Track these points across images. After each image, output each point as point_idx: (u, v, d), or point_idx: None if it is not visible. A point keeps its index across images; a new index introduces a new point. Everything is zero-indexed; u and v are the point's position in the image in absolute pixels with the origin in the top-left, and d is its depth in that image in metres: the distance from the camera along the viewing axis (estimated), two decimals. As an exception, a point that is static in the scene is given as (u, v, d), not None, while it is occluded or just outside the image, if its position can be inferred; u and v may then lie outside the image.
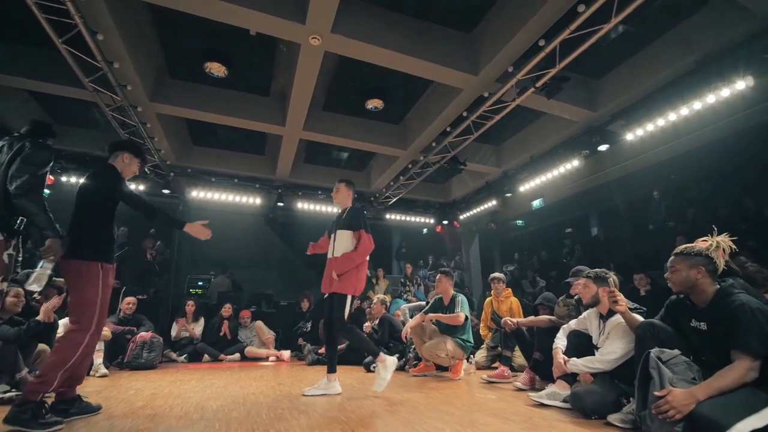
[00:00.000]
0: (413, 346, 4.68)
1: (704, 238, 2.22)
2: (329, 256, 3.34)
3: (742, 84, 4.32)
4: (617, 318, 2.69)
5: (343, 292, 3.20)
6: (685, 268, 2.13)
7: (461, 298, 4.38)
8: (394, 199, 8.71)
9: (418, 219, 10.05)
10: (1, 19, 4.55)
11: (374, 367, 4.80)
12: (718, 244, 2.15)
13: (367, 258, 3.32)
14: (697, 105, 4.74)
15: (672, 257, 2.22)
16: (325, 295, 3.32)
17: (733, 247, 2.17)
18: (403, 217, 9.78)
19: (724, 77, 4.38)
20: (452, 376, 4.20)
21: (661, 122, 5.14)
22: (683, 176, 7.98)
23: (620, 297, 2.49)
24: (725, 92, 4.46)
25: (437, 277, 4.59)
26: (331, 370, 3.25)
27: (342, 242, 3.28)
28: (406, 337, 4.71)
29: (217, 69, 4.94)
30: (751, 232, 5.81)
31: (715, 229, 2.22)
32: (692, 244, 2.20)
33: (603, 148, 6.00)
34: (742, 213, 6.60)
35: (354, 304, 7.01)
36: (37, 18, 3.63)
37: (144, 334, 5.05)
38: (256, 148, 7.77)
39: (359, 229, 3.28)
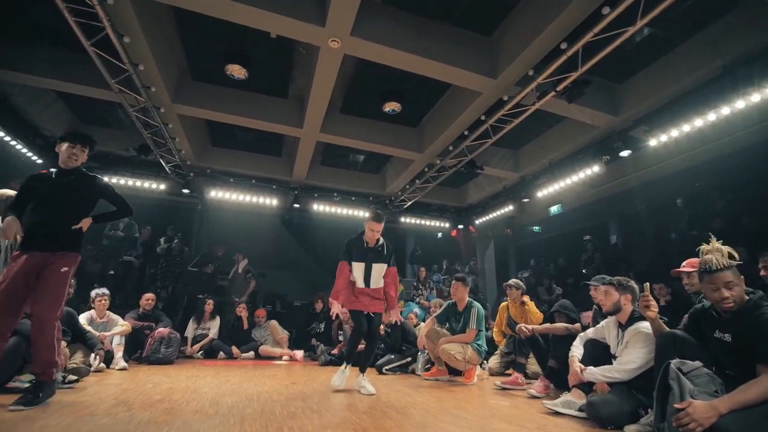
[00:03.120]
0: (426, 350, 4.65)
1: (708, 247, 2.14)
2: (363, 285, 3.66)
3: (773, 89, 4.17)
4: (636, 327, 2.63)
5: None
6: (740, 282, 2.00)
7: (477, 310, 4.28)
8: (410, 203, 8.70)
9: (433, 223, 10.01)
10: (33, 23, 4.75)
11: (387, 370, 4.82)
12: (719, 250, 2.08)
13: None
14: (725, 110, 4.60)
15: (723, 272, 2.00)
16: (366, 313, 3.65)
17: (733, 252, 2.08)
18: (418, 221, 9.76)
19: (753, 82, 4.24)
20: (465, 381, 4.16)
21: (686, 128, 5.00)
22: (709, 184, 7.72)
23: (653, 303, 2.40)
24: (756, 97, 4.31)
25: (453, 284, 4.50)
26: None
27: (378, 273, 3.66)
28: (423, 345, 4.63)
29: (237, 71, 5.03)
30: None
31: (713, 236, 2.15)
32: (719, 257, 2.05)
33: (625, 153, 5.88)
34: (767, 222, 6.34)
35: None
36: (66, 21, 3.77)
37: (162, 330, 5.16)
38: (273, 149, 7.89)
39: (394, 266, 3.75)
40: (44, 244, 2.62)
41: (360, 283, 3.63)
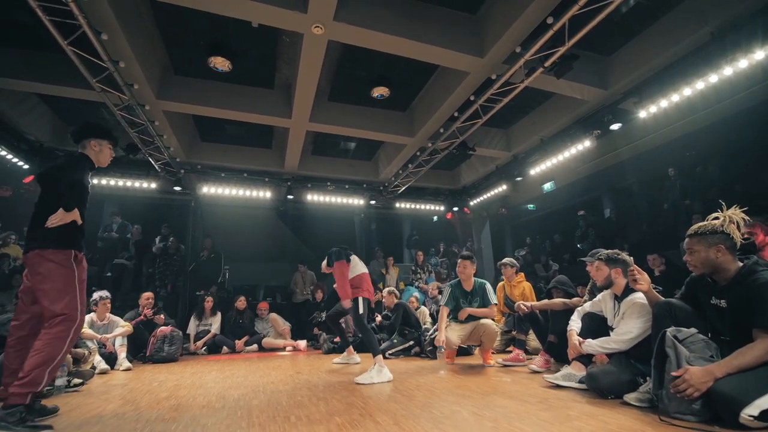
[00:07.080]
0: (428, 333, 4.69)
1: (715, 215, 2.17)
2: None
3: (761, 54, 4.15)
4: (632, 298, 2.67)
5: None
6: (703, 248, 2.07)
7: (488, 286, 4.20)
8: (404, 188, 8.68)
9: (428, 207, 10.01)
10: (8, 24, 4.61)
11: (390, 354, 4.88)
12: (730, 218, 2.10)
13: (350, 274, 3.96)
14: (713, 78, 4.58)
15: (687, 239, 2.16)
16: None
17: (746, 218, 2.12)
18: (413, 206, 9.75)
19: (741, 47, 4.21)
20: (485, 362, 4.07)
21: (675, 98, 4.98)
22: (700, 153, 7.77)
23: (641, 276, 2.42)
24: (743, 63, 4.29)
25: (459, 263, 4.27)
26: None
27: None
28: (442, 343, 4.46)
29: (221, 63, 4.93)
30: (770, 207, 5.65)
31: (724, 204, 2.16)
32: (704, 223, 2.15)
33: (615, 127, 5.87)
34: (760, 189, 6.41)
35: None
36: (42, 21, 3.66)
37: (164, 329, 5.18)
38: (263, 141, 7.80)
39: (332, 264, 4.03)
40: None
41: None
